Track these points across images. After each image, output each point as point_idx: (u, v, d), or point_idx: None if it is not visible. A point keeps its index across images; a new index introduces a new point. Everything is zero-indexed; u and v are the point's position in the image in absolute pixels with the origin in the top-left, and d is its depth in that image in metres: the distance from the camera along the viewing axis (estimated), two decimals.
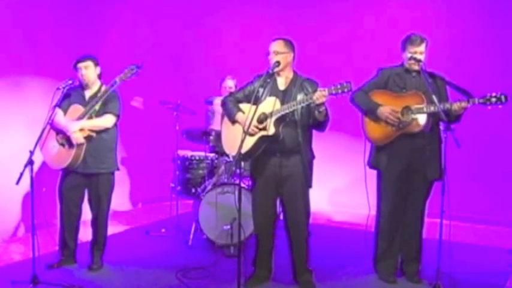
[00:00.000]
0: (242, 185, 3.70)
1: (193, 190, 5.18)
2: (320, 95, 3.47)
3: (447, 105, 3.62)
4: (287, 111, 3.62)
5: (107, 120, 4.11)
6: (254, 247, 4.00)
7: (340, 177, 6.33)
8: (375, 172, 4.01)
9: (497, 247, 4.98)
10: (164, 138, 6.23)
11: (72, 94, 4.17)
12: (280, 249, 4.08)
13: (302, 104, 3.59)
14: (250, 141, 3.67)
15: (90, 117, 4.05)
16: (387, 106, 3.80)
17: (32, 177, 3.68)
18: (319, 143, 4.04)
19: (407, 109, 3.75)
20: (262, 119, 3.67)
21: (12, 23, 5.14)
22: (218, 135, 4.79)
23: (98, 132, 4.09)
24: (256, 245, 3.98)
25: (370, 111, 3.87)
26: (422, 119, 3.71)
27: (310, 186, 3.85)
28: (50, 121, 4.00)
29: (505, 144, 5.67)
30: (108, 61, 4.58)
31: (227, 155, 4.89)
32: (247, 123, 3.54)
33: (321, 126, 3.76)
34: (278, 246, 4.06)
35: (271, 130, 3.65)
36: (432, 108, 3.64)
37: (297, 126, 3.71)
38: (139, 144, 6.54)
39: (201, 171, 5.23)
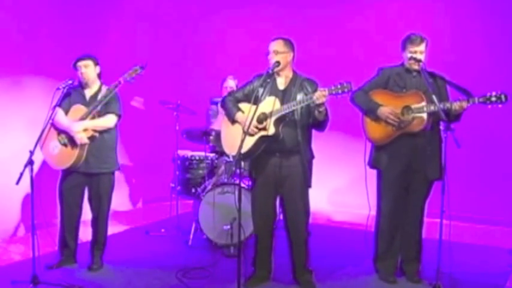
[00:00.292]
0: (242, 185, 3.70)
1: (193, 190, 5.18)
2: (320, 95, 3.46)
3: (447, 105, 3.61)
4: (287, 111, 3.62)
5: (109, 120, 4.12)
6: (254, 247, 4.00)
7: (340, 177, 6.33)
8: (375, 172, 4.01)
9: (497, 247, 4.98)
10: (164, 138, 6.23)
11: (72, 93, 4.17)
12: (280, 249, 4.08)
13: (302, 104, 3.59)
14: (250, 141, 3.66)
15: (93, 117, 4.06)
16: (387, 106, 3.80)
17: (32, 177, 3.68)
18: (319, 142, 4.05)
19: (407, 109, 3.75)
20: (262, 119, 3.67)
21: (12, 23, 5.14)
22: (218, 135, 4.79)
23: (100, 132, 4.09)
24: (256, 245, 3.98)
25: (371, 111, 3.87)
26: (422, 118, 3.71)
27: (309, 186, 3.85)
28: (51, 121, 4.01)
29: (505, 144, 5.67)
30: (108, 61, 4.58)
31: (227, 155, 4.88)
32: (247, 123, 3.54)
33: (320, 126, 3.76)
34: (278, 246, 4.06)
35: (271, 130, 3.65)
36: (432, 108, 3.64)
37: (297, 126, 3.71)
38: (139, 144, 6.54)
39: (201, 171, 5.23)
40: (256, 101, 3.61)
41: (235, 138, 3.72)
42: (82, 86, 4.19)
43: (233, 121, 3.85)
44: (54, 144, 4.11)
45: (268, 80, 3.77)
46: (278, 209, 4.04)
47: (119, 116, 4.17)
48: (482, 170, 5.76)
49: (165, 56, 6.85)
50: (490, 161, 5.74)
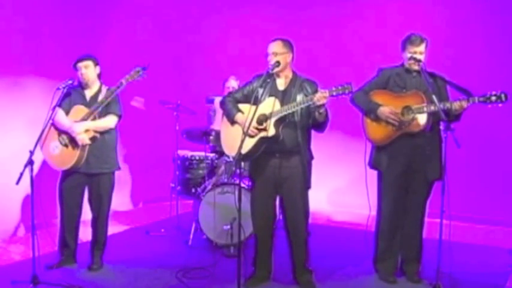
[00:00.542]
0: (242, 185, 3.70)
1: (193, 190, 5.18)
2: (321, 97, 3.46)
3: (447, 105, 3.61)
4: (287, 112, 3.61)
5: (110, 121, 4.12)
6: (254, 247, 4.00)
7: (340, 177, 6.33)
8: (375, 172, 4.01)
9: (497, 247, 4.98)
10: (164, 138, 6.23)
11: (72, 94, 4.17)
12: (280, 249, 4.08)
13: (302, 105, 3.58)
14: (250, 143, 3.66)
15: (94, 118, 4.06)
16: (387, 106, 3.80)
17: (32, 177, 3.68)
18: (319, 143, 4.05)
19: (407, 109, 3.75)
20: (261, 120, 3.66)
21: (13, 23, 5.14)
22: (218, 135, 4.79)
23: (101, 132, 4.10)
24: (256, 245, 3.98)
25: (371, 111, 3.87)
26: (422, 118, 3.71)
27: (309, 187, 3.85)
28: (51, 121, 4.01)
29: (505, 144, 5.67)
30: (108, 61, 4.58)
31: (227, 155, 4.89)
32: (247, 124, 3.54)
33: (320, 127, 3.76)
34: (278, 246, 4.06)
35: (271, 131, 3.64)
36: (432, 108, 3.64)
37: (297, 127, 3.70)
38: (139, 144, 6.54)
39: (201, 171, 5.23)
40: (256, 102, 3.61)
41: (235, 139, 3.72)
42: (82, 86, 4.19)
43: (233, 122, 3.84)
44: (55, 145, 4.11)
45: (268, 81, 3.76)
46: (278, 210, 4.04)
47: (119, 117, 4.17)
48: (482, 170, 5.76)
49: (165, 56, 6.85)
50: (490, 161, 5.74)
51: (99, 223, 4.27)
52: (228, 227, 4.56)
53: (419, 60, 3.75)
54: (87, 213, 4.34)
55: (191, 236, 4.96)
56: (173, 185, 5.38)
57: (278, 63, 3.68)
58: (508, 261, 4.54)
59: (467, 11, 5.79)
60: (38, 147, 3.87)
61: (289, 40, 3.82)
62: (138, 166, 6.67)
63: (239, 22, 6.93)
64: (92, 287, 3.90)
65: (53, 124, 4.06)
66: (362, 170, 3.97)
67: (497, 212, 5.66)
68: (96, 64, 4.18)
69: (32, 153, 3.69)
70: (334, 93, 3.43)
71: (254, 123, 3.59)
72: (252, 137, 3.66)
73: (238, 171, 3.69)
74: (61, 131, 4.08)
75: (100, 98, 4.09)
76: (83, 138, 3.99)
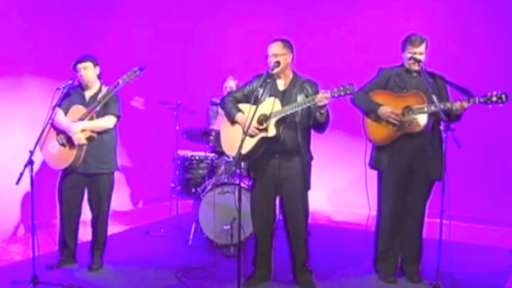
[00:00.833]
0: (242, 185, 3.70)
1: (193, 190, 5.18)
2: (322, 97, 3.45)
3: (448, 105, 3.61)
4: (288, 112, 3.60)
5: (108, 121, 4.12)
6: (254, 247, 4.00)
7: (340, 177, 6.33)
8: (375, 172, 4.01)
9: (497, 247, 4.97)
10: (164, 138, 6.23)
11: (72, 94, 4.17)
12: (280, 249, 4.08)
13: (304, 106, 3.57)
14: (250, 143, 3.66)
15: (91, 118, 4.05)
16: (388, 106, 3.80)
17: (32, 177, 3.68)
18: (319, 143, 4.04)
19: (408, 109, 3.75)
20: (262, 120, 3.66)
21: (13, 23, 5.14)
22: (218, 135, 4.78)
23: (99, 133, 4.09)
24: (256, 245, 3.98)
25: (371, 111, 3.87)
26: (423, 118, 3.71)
27: (308, 187, 3.84)
28: (51, 121, 4.01)
29: (505, 144, 5.67)
30: (108, 61, 4.58)
31: (227, 155, 4.89)
32: (247, 124, 3.53)
33: (321, 127, 3.75)
34: (278, 246, 4.06)
35: (272, 131, 3.63)
36: (433, 108, 3.63)
37: (297, 127, 3.70)
38: (139, 144, 6.54)
39: (201, 171, 5.22)
40: (256, 102, 3.60)
41: (235, 139, 3.71)
42: (82, 87, 4.19)
43: (233, 122, 3.84)
44: (53, 144, 4.11)
45: (268, 81, 3.76)
46: (278, 210, 4.04)
47: (118, 117, 4.17)
48: (482, 170, 5.75)
49: (165, 56, 6.86)
50: (490, 161, 5.74)
51: (98, 223, 4.27)
52: (228, 227, 4.56)
53: (419, 61, 3.75)
54: (87, 213, 4.34)
55: (191, 236, 4.96)
56: (173, 185, 5.38)
57: (278, 63, 3.67)
58: (508, 261, 4.54)
59: (468, 11, 5.79)
60: (38, 147, 3.87)
61: (289, 40, 3.81)
62: (138, 166, 6.67)
63: (239, 22, 6.93)
64: (91, 287, 3.90)
65: (52, 124, 4.06)
66: (362, 170, 3.97)
67: (497, 212, 5.66)
68: (96, 64, 4.18)
69: (32, 153, 3.69)
70: (336, 94, 3.42)
71: (254, 123, 3.59)
72: (252, 137, 3.66)
73: (238, 171, 3.69)
74: (59, 131, 4.08)
75: (99, 97, 4.09)
76: (79, 138, 3.99)
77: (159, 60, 6.65)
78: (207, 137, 5.14)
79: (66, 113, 4.12)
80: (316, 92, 3.59)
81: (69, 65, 4.15)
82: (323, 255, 4.57)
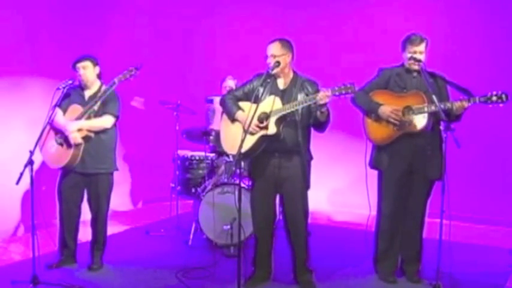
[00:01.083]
0: (242, 185, 3.70)
1: (193, 190, 5.18)
2: (323, 96, 3.45)
3: (448, 105, 3.61)
4: (289, 111, 3.60)
5: (106, 121, 4.11)
6: (254, 247, 4.00)
7: (340, 177, 6.33)
8: (375, 172, 4.01)
9: (497, 247, 4.98)
10: (164, 138, 6.23)
11: (72, 94, 4.17)
12: (280, 249, 4.08)
13: (304, 104, 3.58)
14: (250, 141, 3.65)
15: (89, 118, 4.05)
16: (388, 105, 3.80)
17: (32, 177, 3.67)
18: (319, 142, 4.04)
19: (408, 109, 3.75)
20: (262, 118, 3.66)
21: (13, 23, 5.14)
22: (218, 135, 4.79)
23: (97, 132, 4.09)
24: (256, 245, 3.97)
25: (372, 111, 3.87)
26: (423, 118, 3.71)
27: (308, 187, 3.84)
28: (50, 121, 4.01)
29: (505, 144, 5.67)
30: (108, 61, 4.58)
31: (227, 155, 4.90)
32: (248, 122, 3.53)
33: (321, 126, 3.75)
34: (278, 246, 4.06)
35: (272, 130, 3.64)
36: (433, 108, 3.63)
37: (297, 126, 3.70)
38: (139, 144, 6.54)
39: (201, 171, 5.22)
40: (257, 100, 3.60)
41: (235, 137, 3.71)
42: (82, 86, 4.19)
43: (233, 120, 3.83)
44: (51, 144, 4.11)
45: (268, 80, 3.75)
46: (278, 209, 4.04)
47: (116, 117, 4.16)
48: (482, 170, 5.75)
49: (165, 56, 6.85)
50: (490, 161, 5.74)
51: (98, 223, 4.27)
52: (228, 227, 4.56)
53: (419, 60, 3.75)
54: (87, 213, 4.34)
55: (191, 236, 4.96)
56: (173, 185, 5.38)
57: (278, 63, 3.67)
58: (508, 261, 4.54)
59: (468, 11, 5.79)
60: (38, 147, 3.87)
61: (289, 40, 3.80)
62: (138, 166, 6.67)
63: (238, 22, 6.93)
64: (91, 287, 3.90)
65: (51, 124, 4.06)
66: (362, 170, 3.97)
67: (497, 212, 5.66)
68: (96, 64, 4.18)
69: (32, 153, 3.69)
70: (337, 93, 3.42)
71: (255, 121, 3.59)
72: (252, 134, 3.66)
73: (238, 171, 3.68)
74: (57, 130, 4.08)
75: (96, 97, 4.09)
76: (75, 137, 3.98)
77: (159, 60, 6.65)
78: (207, 137, 5.14)
79: (65, 113, 4.12)
80: (317, 91, 3.59)
81: (69, 65, 4.15)
82: (323, 255, 4.57)
